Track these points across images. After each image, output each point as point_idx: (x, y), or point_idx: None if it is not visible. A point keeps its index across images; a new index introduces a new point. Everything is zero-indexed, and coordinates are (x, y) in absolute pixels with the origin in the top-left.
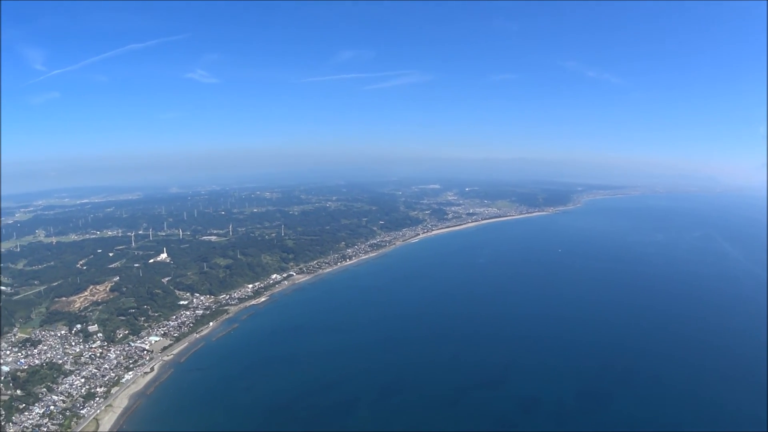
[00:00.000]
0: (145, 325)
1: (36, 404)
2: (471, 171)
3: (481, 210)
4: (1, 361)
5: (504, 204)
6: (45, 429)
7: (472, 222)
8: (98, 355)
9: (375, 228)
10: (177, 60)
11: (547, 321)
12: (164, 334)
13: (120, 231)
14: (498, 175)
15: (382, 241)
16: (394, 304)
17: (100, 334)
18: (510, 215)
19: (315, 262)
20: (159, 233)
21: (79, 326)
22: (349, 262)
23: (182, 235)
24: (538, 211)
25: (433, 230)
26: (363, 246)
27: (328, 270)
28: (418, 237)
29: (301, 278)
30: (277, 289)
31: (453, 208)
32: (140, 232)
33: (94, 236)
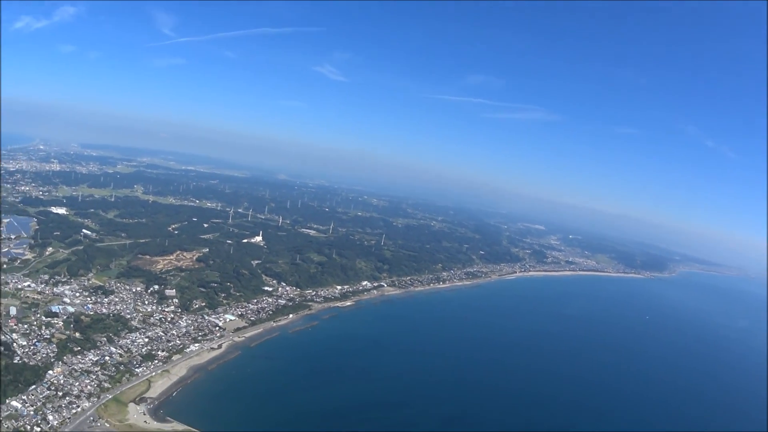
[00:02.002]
0: (224, 302)
1: (92, 351)
2: (575, 218)
3: (581, 260)
4: (68, 301)
5: (603, 258)
6: (94, 376)
7: (569, 271)
8: (169, 319)
9: (474, 257)
10: (308, 52)
11: (604, 393)
12: (241, 315)
13: (219, 205)
14: (601, 228)
15: (479, 271)
16: (476, 338)
17: (175, 300)
18: (607, 272)
19: (408, 278)
20: (258, 215)
21: (156, 287)
22: (442, 285)
23: (282, 222)
24: (634, 273)
25: (530, 271)
26: (459, 272)
27: (419, 288)
28: (515, 275)
29: (391, 291)
30: (365, 296)
31: (554, 253)
32: (240, 210)
33: (192, 204)
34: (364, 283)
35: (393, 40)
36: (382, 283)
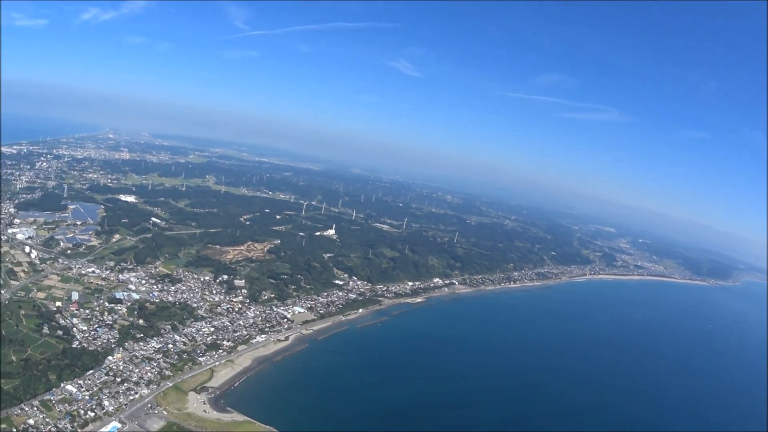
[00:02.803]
0: (293, 294)
1: (155, 338)
2: (644, 222)
3: (649, 265)
4: (133, 288)
5: (670, 264)
6: (155, 364)
7: (637, 275)
8: (236, 309)
9: (545, 257)
10: (382, 47)
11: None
12: (310, 308)
13: (293, 197)
14: (669, 232)
15: (549, 272)
16: (541, 342)
17: (244, 291)
18: (674, 278)
19: (480, 276)
20: (332, 209)
21: (225, 277)
22: (512, 285)
23: (355, 216)
24: (699, 280)
25: (599, 274)
26: (530, 273)
27: (490, 288)
28: (584, 277)
29: (462, 289)
30: (436, 293)
31: (623, 257)
32: (313, 203)
33: (265, 195)
34: (436, 280)
35: (468, 36)
36: (453, 281)
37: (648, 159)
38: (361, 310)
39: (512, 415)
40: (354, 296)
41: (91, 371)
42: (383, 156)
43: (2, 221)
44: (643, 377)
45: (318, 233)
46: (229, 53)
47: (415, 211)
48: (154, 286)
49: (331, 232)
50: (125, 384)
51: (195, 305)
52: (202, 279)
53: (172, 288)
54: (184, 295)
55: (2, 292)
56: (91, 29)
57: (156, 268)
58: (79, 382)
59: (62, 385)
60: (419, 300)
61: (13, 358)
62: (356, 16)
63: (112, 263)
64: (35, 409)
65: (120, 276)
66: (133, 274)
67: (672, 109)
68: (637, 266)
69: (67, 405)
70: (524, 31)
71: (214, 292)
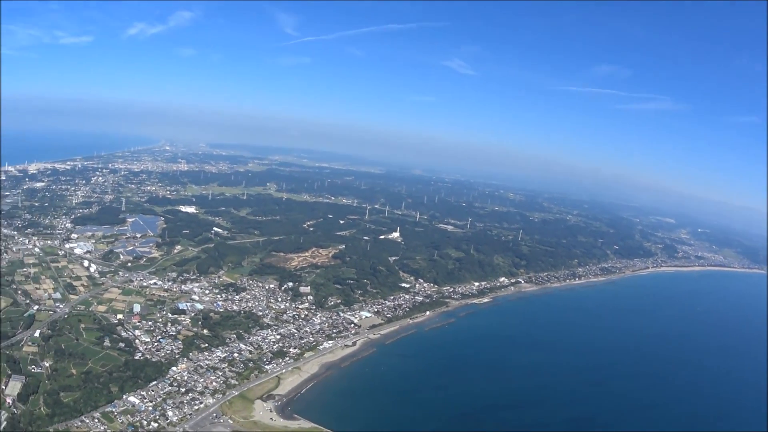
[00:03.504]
0: (360, 298)
1: (219, 347)
2: (703, 210)
3: (709, 255)
4: (197, 298)
5: (729, 253)
6: (220, 373)
7: (698, 266)
8: (302, 316)
9: (608, 252)
10: (435, 46)
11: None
12: (377, 312)
13: (355, 201)
14: (727, 220)
15: (612, 266)
16: (608, 338)
17: (310, 297)
18: (733, 267)
19: (545, 273)
20: (395, 211)
21: (290, 284)
22: (577, 282)
23: (419, 218)
24: (758, 269)
25: (662, 266)
26: (594, 268)
27: (555, 285)
28: (647, 270)
29: (528, 287)
30: (502, 293)
31: (683, 248)
32: (376, 206)
33: (327, 201)
34: (502, 279)
35: (519, 31)
36: (519, 279)
37: (702, 146)
38: (428, 313)
39: (579, 413)
40: (421, 299)
41: (154, 382)
42: (443, 156)
43: (59, 236)
44: (709, 373)
45: (382, 236)
46: (281, 60)
47: (478, 210)
48: (218, 296)
49: (396, 234)
50: (190, 394)
51: (260, 313)
52: (267, 287)
53: (237, 297)
54: (249, 304)
55: (61, 306)
56: (139, 44)
57: (219, 277)
58: (142, 393)
59: (124, 396)
60: (486, 300)
61: (73, 371)
62: (406, 16)
63: (174, 274)
64: (96, 421)
65: (183, 287)
66: (196, 284)
67: (722, 94)
68: (698, 257)
69: (129, 416)
70: (575, 23)
71: (280, 299)
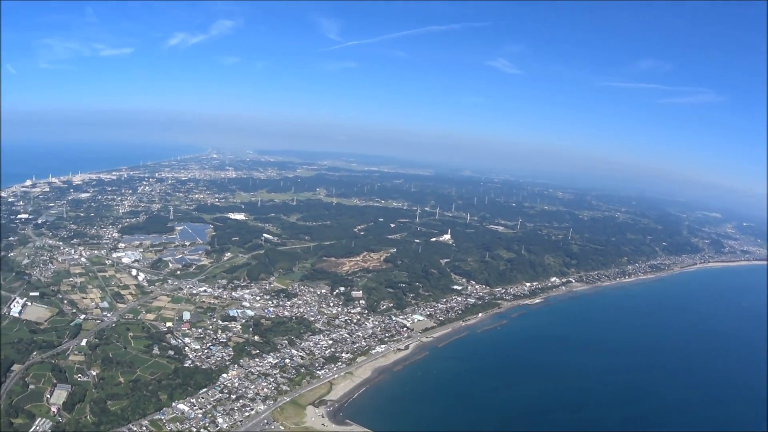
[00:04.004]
0: (412, 302)
1: (271, 353)
2: (747, 204)
3: (754, 249)
4: (248, 304)
5: None
6: (271, 379)
7: (744, 261)
8: (354, 321)
9: (657, 249)
10: (479, 46)
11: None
12: (429, 315)
13: (405, 204)
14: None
15: (661, 263)
16: (658, 336)
17: (362, 302)
18: None
19: (595, 272)
20: (446, 213)
21: (342, 289)
22: (627, 280)
23: (469, 219)
24: None
25: (709, 262)
26: (643, 265)
27: (606, 283)
28: (695, 266)
29: (579, 286)
30: (554, 293)
31: (730, 242)
32: (426, 209)
33: (377, 204)
34: (553, 279)
35: (561, 28)
36: (570, 279)
37: (745, 138)
38: (480, 315)
39: (631, 413)
40: (473, 301)
41: (204, 389)
42: (492, 156)
43: (106, 246)
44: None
45: (433, 239)
46: (326, 66)
47: (528, 210)
48: (269, 302)
49: (447, 237)
50: (240, 401)
51: (312, 319)
52: (319, 292)
53: (288, 303)
54: (301, 309)
55: (109, 315)
56: (180, 53)
57: (270, 283)
58: (192, 400)
59: (173, 404)
60: (537, 301)
61: (121, 379)
62: (448, 17)
63: (224, 281)
64: (144, 428)
65: (233, 294)
66: (247, 291)
67: (764, 84)
68: (744, 251)
69: (178, 424)
70: (616, 17)
71: (332, 304)
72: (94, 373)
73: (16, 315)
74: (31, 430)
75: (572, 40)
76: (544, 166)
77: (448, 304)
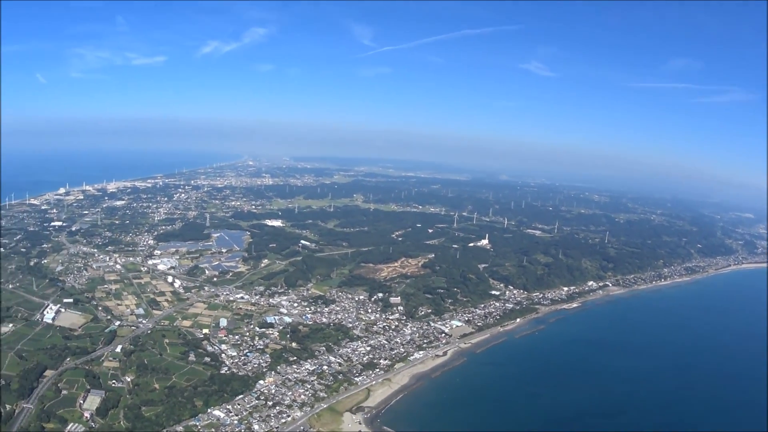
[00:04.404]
0: (450, 307)
1: (308, 360)
2: None
3: None
4: (285, 311)
5: None
6: (308, 386)
7: None
8: (393, 327)
9: (692, 251)
10: (512, 50)
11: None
12: (467, 321)
13: (443, 209)
14: None
15: (696, 266)
16: (696, 337)
17: (400, 308)
18: None
19: (632, 276)
20: (483, 218)
21: (380, 295)
22: (663, 283)
23: (507, 224)
24: None
25: (743, 263)
26: (679, 268)
27: (642, 287)
28: (729, 268)
29: (616, 290)
30: (591, 297)
31: (762, 243)
32: (464, 214)
33: (415, 210)
34: (590, 283)
35: (593, 29)
36: (607, 283)
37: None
38: (518, 320)
39: (670, 419)
40: (511, 306)
41: (240, 396)
42: (528, 160)
43: (141, 253)
44: None
45: (471, 244)
46: (361, 71)
47: (564, 214)
48: (307, 309)
49: (485, 242)
50: (277, 407)
51: (350, 325)
52: (357, 298)
53: (326, 309)
54: (339, 316)
55: (144, 321)
56: (214, 61)
57: (308, 290)
58: (228, 407)
59: (209, 410)
60: (575, 305)
61: (156, 386)
62: (481, 21)
63: (261, 288)
64: None
65: (270, 300)
66: (285, 297)
67: None
68: None
69: (213, 430)
70: (646, 17)
71: (370, 310)
72: (129, 380)
73: (50, 321)
74: None
75: (604, 41)
76: (579, 169)
77: (486, 310)
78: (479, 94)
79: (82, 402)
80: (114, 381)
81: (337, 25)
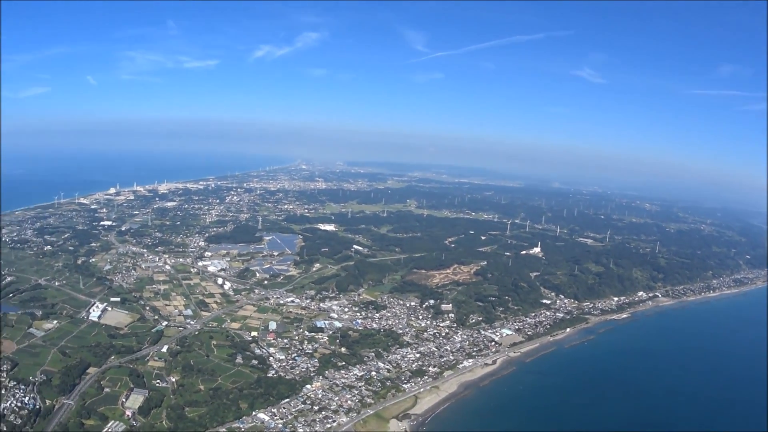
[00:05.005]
0: (501, 316)
1: (357, 366)
2: None
3: None
4: (335, 316)
5: None
6: (356, 392)
7: None
8: (443, 334)
9: (741, 262)
10: (563, 56)
11: None
12: (518, 330)
13: (496, 216)
14: None
15: (745, 277)
16: (745, 349)
17: (451, 315)
18: None
19: (681, 287)
20: (535, 226)
21: (431, 302)
22: (711, 294)
23: (558, 232)
24: None
25: None
26: (728, 279)
27: (691, 298)
28: None
29: (665, 301)
30: (640, 308)
31: None
32: (516, 221)
33: (467, 216)
34: (640, 293)
35: (645, 35)
36: (656, 293)
37: None
38: (568, 330)
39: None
40: (561, 315)
41: (286, 400)
42: (580, 167)
43: (191, 254)
44: None
45: (523, 252)
46: (414, 77)
47: (616, 223)
48: (358, 314)
49: (537, 250)
50: (323, 412)
51: (400, 331)
52: (408, 305)
53: (377, 315)
54: (389, 322)
55: (192, 322)
56: (266, 65)
57: (359, 295)
58: (273, 410)
59: (254, 413)
60: (624, 316)
61: (201, 387)
62: (532, 27)
63: (312, 292)
64: None
65: (321, 305)
66: (335, 302)
67: None
68: None
69: None
70: (697, 24)
71: (421, 317)
72: (174, 380)
73: (96, 319)
74: (103, 431)
75: (655, 47)
76: (631, 176)
77: (537, 319)
78: (531, 100)
79: (124, 400)
80: (158, 381)
81: (389, 30)
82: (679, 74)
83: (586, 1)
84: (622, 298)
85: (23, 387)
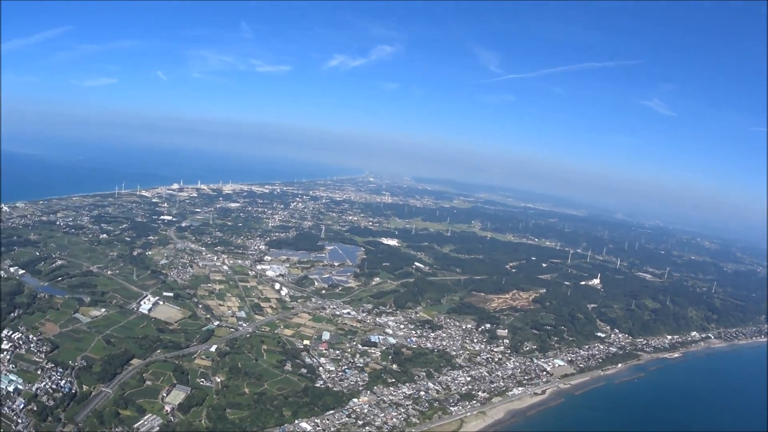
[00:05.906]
0: (556, 346)
1: (407, 384)
2: None
3: None
4: (390, 332)
5: None
6: (402, 410)
7: None
8: (496, 360)
9: None
10: (633, 85)
11: None
12: (570, 361)
13: (558, 244)
14: None
15: None
16: None
17: (506, 341)
18: None
19: (734, 329)
20: (597, 257)
21: (487, 326)
22: (762, 339)
23: (618, 264)
24: None
25: None
26: None
27: (743, 342)
28: None
29: (717, 343)
30: (692, 348)
31: None
32: (578, 250)
33: (530, 242)
34: (693, 333)
35: (714, 69)
36: (709, 335)
37: None
38: (620, 365)
39: None
40: (614, 350)
41: (331, 411)
42: (644, 198)
43: (251, 257)
44: None
45: (583, 282)
46: (485, 97)
47: (675, 259)
48: (413, 332)
49: (596, 281)
50: (366, 427)
51: (454, 353)
52: (464, 327)
53: (432, 334)
54: (444, 343)
55: (244, 325)
56: (339, 75)
57: (416, 313)
58: (316, 420)
59: (296, 422)
60: (676, 355)
61: (246, 390)
62: (603, 54)
63: (369, 306)
64: None
65: (377, 319)
66: (392, 318)
67: None
68: None
69: None
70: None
71: (475, 340)
72: (219, 380)
73: (145, 312)
74: (138, 423)
75: (724, 81)
76: (693, 212)
77: (590, 351)
78: (599, 128)
79: (165, 395)
80: (203, 379)
81: (463, 48)
82: (746, 109)
83: (658, 30)
84: (675, 336)
85: (61, 370)
